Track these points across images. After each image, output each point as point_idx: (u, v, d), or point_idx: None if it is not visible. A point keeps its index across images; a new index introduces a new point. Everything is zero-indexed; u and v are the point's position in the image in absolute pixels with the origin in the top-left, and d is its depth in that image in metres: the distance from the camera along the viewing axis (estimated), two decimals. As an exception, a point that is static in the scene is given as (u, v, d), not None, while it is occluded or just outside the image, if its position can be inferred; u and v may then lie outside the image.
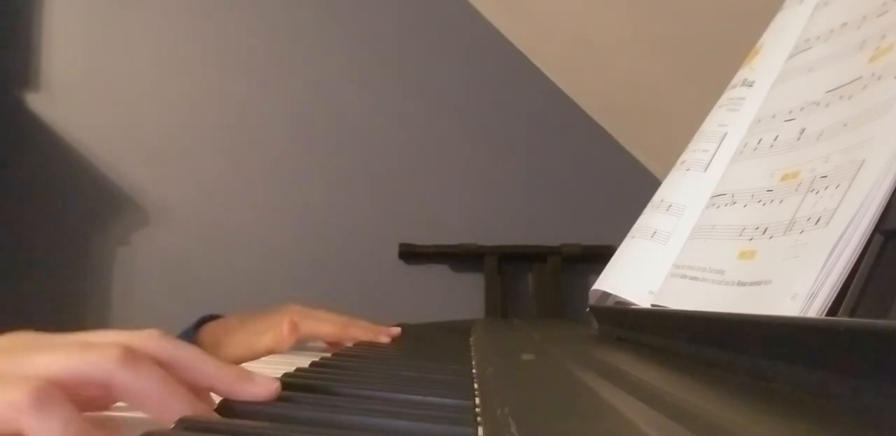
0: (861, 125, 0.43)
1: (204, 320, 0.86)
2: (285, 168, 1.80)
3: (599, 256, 1.43)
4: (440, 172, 1.79)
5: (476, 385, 0.46)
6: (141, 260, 1.75)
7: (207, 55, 1.83)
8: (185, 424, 0.30)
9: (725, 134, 0.65)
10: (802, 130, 0.49)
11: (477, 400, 0.40)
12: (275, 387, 0.36)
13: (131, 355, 0.32)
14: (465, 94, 1.81)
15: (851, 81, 0.47)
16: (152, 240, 1.76)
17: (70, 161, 1.77)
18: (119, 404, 0.35)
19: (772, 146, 0.53)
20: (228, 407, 0.35)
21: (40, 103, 1.79)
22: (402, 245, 1.73)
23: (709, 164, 0.65)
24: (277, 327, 0.79)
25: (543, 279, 1.73)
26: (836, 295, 0.38)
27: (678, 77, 1.37)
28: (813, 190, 0.43)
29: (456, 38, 1.81)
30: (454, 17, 1.80)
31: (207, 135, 1.81)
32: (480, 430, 0.33)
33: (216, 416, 0.33)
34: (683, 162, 0.68)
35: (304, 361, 0.57)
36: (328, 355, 0.63)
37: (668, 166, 0.71)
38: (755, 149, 0.55)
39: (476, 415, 0.36)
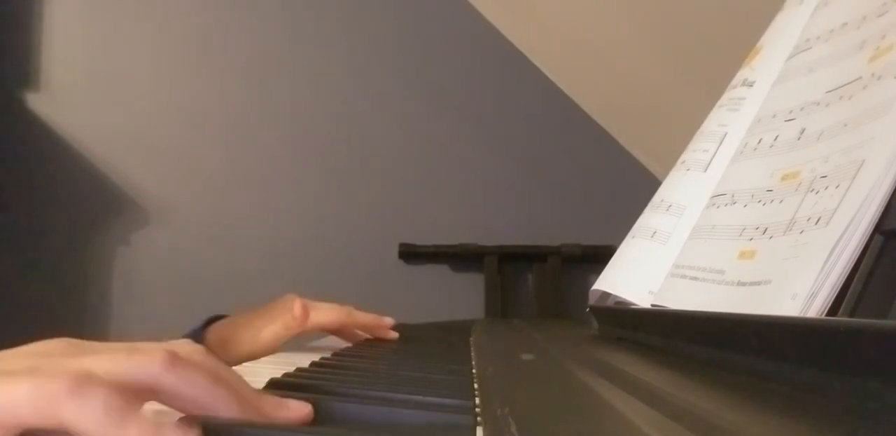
0: (861, 125, 0.43)
1: (211, 321, 0.86)
2: (285, 168, 1.80)
3: (599, 256, 1.43)
4: (440, 172, 1.79)
5: (476, 385, 0.46)
6: (141, 260, 1.75)
7: (207, 55, 1.83)
8: (185, 424, 0.30)
9: (725, 134, 0.65)
10: (802, 130, 0.49)
11: (477, 400, 0.40)
12: (308, 410, 0.35)
13: (179, 360, 0.31)
14: (466, 94, 1.81)
15: (851, 81, 0.47)
16: (152, 240, 1.76)
17: (70, 161, 1.77)
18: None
19: (772, 146, 0.52)
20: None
21: (40, 103, 1.79)
22: (402, 245, 1.73)
23: (709, 164, 0.65)
24: (285, 314, 0.79)
25: (543, 279, 1.73)
26: (836, 295, 0.38)
27: (678, 77, 1.37)
28: (813, 190, 0.43)
29: (456, 38, 1.81)
30: (454, 18, 1.80)
31: (207, 134, 1.81)
32: (480, 430, 0.33)
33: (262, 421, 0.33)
34: (683, 162, 0.68)
35: (304, 361, 0.57)
36: (328, 355, 0.63)
37: (669, 166, 0.71)
38: (755, 149, 0.55)
39: (476, 415, 0.36)
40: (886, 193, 0.38)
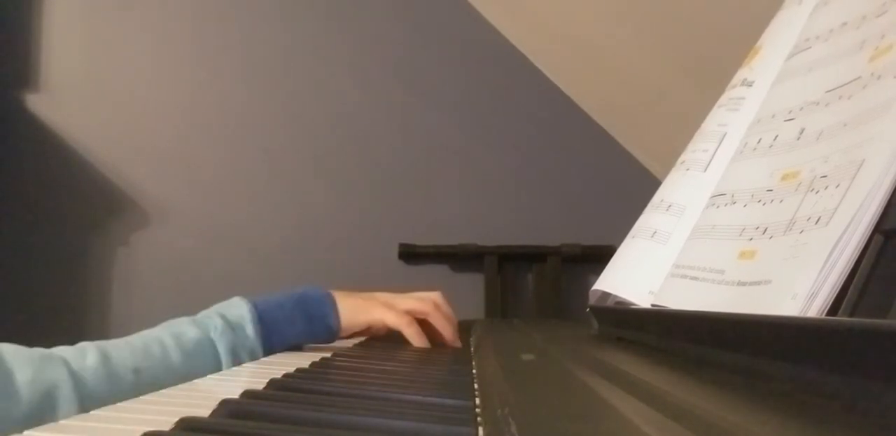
0: (861, 125, 0.43)
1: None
2: (285, 169, 1.80)
3: (599, 256, 1.43)
4: (440, 172, 1.79)
5: (476, 385, 0.46)
6: (141, 260, 1.75)
7: (207, 55, 1.83)
8: (185, 424, 0.30)
9: (725, 134, 0.65)
10: (802, 130, 0.49)
11: (477, 400, 0.40)
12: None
13: (437, 304, 0.84)
14: (466, 94, 1.81)
15: (851, 81, 0.47)
16: (152, 240, 1.76)
17: (69, 162, 1.77)
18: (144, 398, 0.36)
19: (771, 146, 0.52)
20: (227, 407, 0.35)
21: (40, 104, 1.79)
22: (402, 245, 1.73)
23: (709, 164, 0.65)
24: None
25: (543, 279, 1.73)
26: (836, 295, 0.38)
27: (678, 77, 1.37)
28: (813, 190, 0.43)
29: (456, 38, 1.81)
30: (454, 18, 1.80)
31: (207, 135, 1.81)
32: (480, 430, 0.33)
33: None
34: (683, 162, 0.68)
35: (304, 361, 0.57)
36: (328, 355, 0.64)
37: (668, 166, 0.71)
38: (755, 149, 0.55)
39: (476, 415, 0.36)
40: (886, 192, 0.38)
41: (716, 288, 0.49)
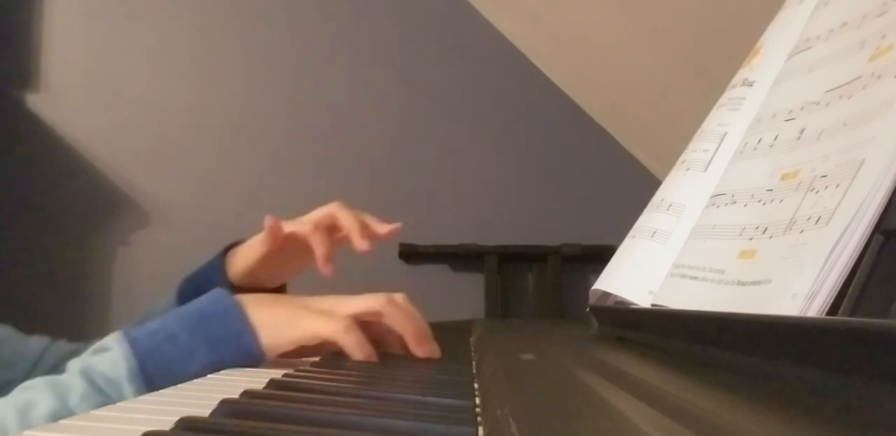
0: (861, 125, 0.43)
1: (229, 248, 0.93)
2: (285, 168, 1.80)
3: (599, 256, 1.43)
4: (440, 172, 1.79)
5: (476, 385, 0.46)
6: (141, 260, 1.75)
7: (206, 55, 1.83)
8: (185, 424, 0.30)
9: (725, 134, 0.65)
10: (802, 130, 0.49)
11: (477, 400, 0.40)
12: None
13: (393, 301, 0.65)
14: (466, 94, 1.81)
15: (851, 81, 0.47)
16: (152, 240, 1.76)
17: (70, 161, 1.77)
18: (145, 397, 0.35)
19: (772, 146, 0.52)
20: (227, 407, 0.35)
21: (40, 104, 1.79)
22: (402, 245, 1.73)
23: (709, 163, 0.65)
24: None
25: (543, 279, 1.73)
26: (835, 295, 0.38)
27: (678, 77, 1.37)
28: (813, 189, 0.43)
29: (456, 38, 1.81)
30: (454, 18, 1.80)
31: (207, 135, 1.81)
32: (481, 430, 0.33)
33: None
34: (684, 162, 0.68)
35: (303, 361, 0.57)
36: (328, 355, 0.63)
37: (669, 166, 0.71)
38: (755, 148, 0.55)
39: (476, 415, 0.36)
40: (886, 192, 0.38)
41: (716, 288, 0.49)
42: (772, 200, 0.48)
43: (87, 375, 0.54)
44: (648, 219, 0.69)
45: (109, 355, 0.56)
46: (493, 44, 1.79)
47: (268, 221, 0.88)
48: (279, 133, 1.81)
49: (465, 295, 1.73)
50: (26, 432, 0.28)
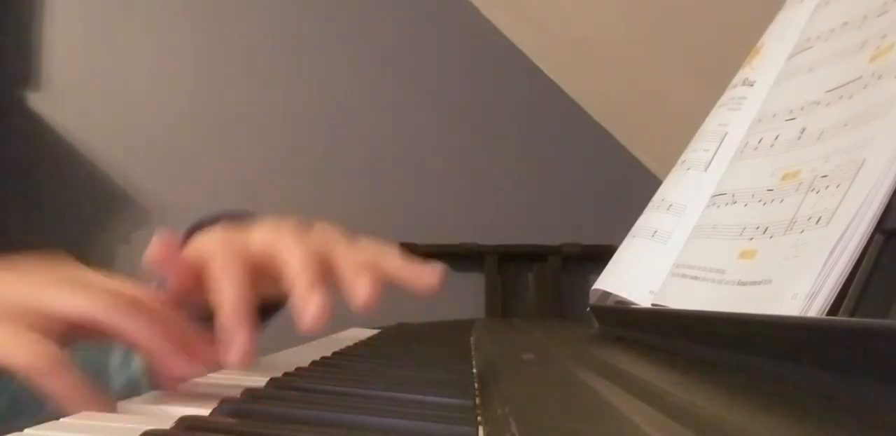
0: (862, 125, 0.43)
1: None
2: (285, 167, 1.80)
3: (600, 256, 1.43)
4: (440, 171, 1.79)
5: (476, 385, 0.46)
6: (142, 259, 1.75)
7: (208, 54, 1.83)
8: (185, 423, 0.30)
9: (726, 133, 0.65)
10: (803, 130, 0.49)
11: (477, 400, 0.40)
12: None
13: (129, 303, 0.33)
14: (467, 94, 1.81)
15: (852, 81, 0.47)
16: (153, 239, 1.76)
17: (71, 160, 1.77)
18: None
19: (772, 146, 0.52)
20: (227, 406, 0.35)
21: (41, 102, 1.79)
22: (401, 245, 1.73)
23: (709, 163, 0.65)
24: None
25: (544, 279, 1.73)
26: (836, 295, 0.38)
27: (679, 77, 1.37)
28: (813, 189, 0.43)
29: (456, 37, 1.81)
30: (455, 17, 1.80)
31: (208, 134, 1.81)
32: (481, 430, 0.33)
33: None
34: (684, 161, 0.68)
35: (304, 361, 0.57)
36: (328, 354, 0.63)
37: (669, 166, 0.71)
38: (756, 148, 0.55)
39: (476, 415, 0.36)
40: (887, 192, 0.38)
41: (716, 288, 0.49)
42: (772, 200, 0.48)
43: None
44: (649, 219, 0.69)
45: None
46: (494, 43, 1.79)
47: (155, 243, 0.46)
48: (280, 132, 1.81)
49: (466, 295, 1.73)
50: (27, 430, 0.28)
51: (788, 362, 0.34)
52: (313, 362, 0.56)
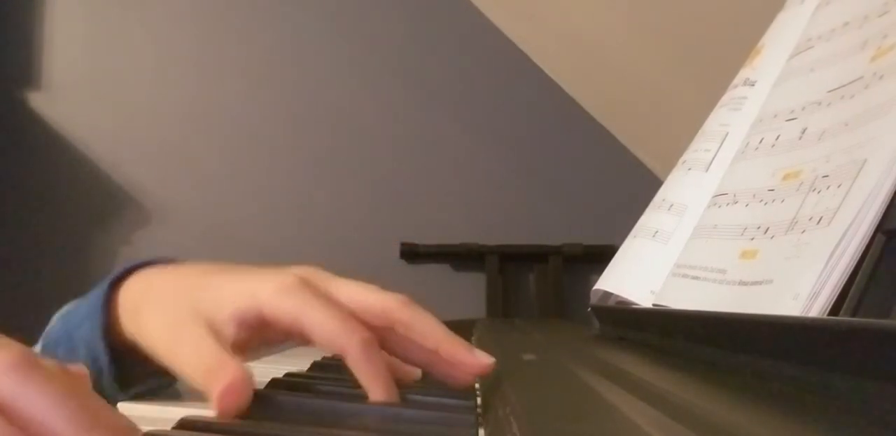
0: (863, 125, 0.43)
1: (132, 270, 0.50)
2: (286, 168, 1.80)
3: (601, 256, 1.43)
4: (441, 171, 1.79)
5: (477, 385, 0.46)
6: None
7: (208, 55, 1.83)
8: (186, 424, 0.30)
9: (727, 134, 0.65)
10: (804, 130, 0.49)
11: (478, 400, 0.40)
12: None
13: (24, 365, 0.25)
14: (467, 93, 1.81)
15: (853, 81, 0.47)
16: (154, 239, 1.76)
17: (72, 160, 1.77)
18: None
19: (773, 146, 0.52)
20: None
21: (42, 103, 1.79)
22: (403, 244, 1.73)
23: (710, 163, 0.65)
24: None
25: (545, 279, 1.73)
26: (837, 295, 0.38)
27: (680, 77, 1.37)
28: (815, 189, 0.43)
29: (457, 37, 1.81)
30: (455, 17, 1.80)
31: (209, 134, 1.81)
32: (482, 430, 0.33)
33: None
34: (685, 161, 0.68)
35: (304, 361, 0.57)
36: (329, 355, 0.63)
37: (670, 166, 0.71)
38: (757, 148, 0.55)
39: (478, 415, 0.36)
40: (888, 192, 0.38)
41: (717, 288, 0.49)
42: (773, 200, 0.48)
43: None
44: (650, 219, 0.69)
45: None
46: (495, 44, 1.79)
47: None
48: (281, 132, 1.81)
49: (467, 295, 1.73)
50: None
51: (790, 363, 0.34)
52: (315, 363, 0.56)
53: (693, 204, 0.64)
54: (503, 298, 1.72)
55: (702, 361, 0.45)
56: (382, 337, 0.39)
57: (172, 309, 0.40)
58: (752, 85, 0.65)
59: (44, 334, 0.53)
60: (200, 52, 1.83)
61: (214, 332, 0.38)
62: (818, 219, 0.41)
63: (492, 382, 0.42)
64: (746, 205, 0.51)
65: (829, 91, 0.49)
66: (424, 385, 0.43)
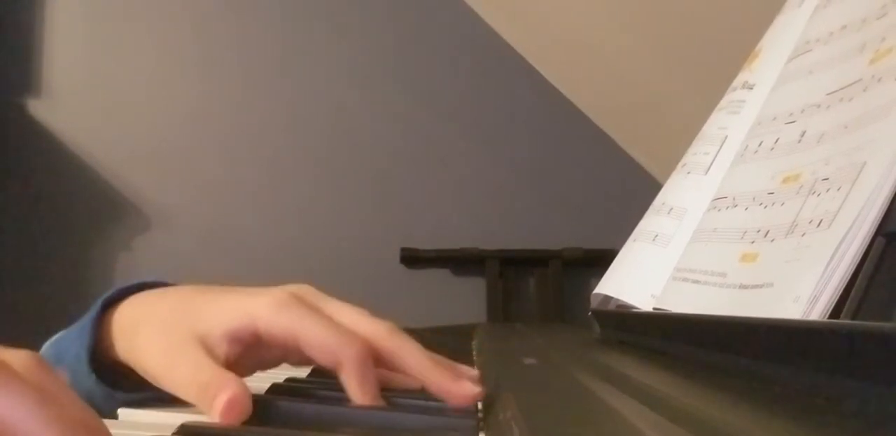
0: (862, 127, 0.43)
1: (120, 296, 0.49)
2: (286, 173, 1.80)
3: (601, 260, 1.43)
4: (441, 176, 1.80)
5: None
6: (142, 265, 1.75)
7: (207, 61, 1.83)
8: (187, 429, 0.30)
9: (726, 137, 0.65)
10: (803, 133, 0.49)
11: (479, 404, 0.40)
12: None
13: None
14: (466, 98, 1.81)
15: (852, 84, 0.47)
16: (154, 245, 1.76)
17: (71, 166, 1.77)
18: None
19: (772, 149, 0.52)
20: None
21: (41, 109, 1.80)
22: (403, 249, 1.73)
23: (710, 167, 0.65)
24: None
25: (545, 283, 1.73)
26: (838, 298, 0.37)
27: (679, 81, 1.37)
28: (814, 192, 0.43)
29: (456, 41, 1.82)
30: (454, 21, 1.80)
31: (208, 140, 1.81)
32: (483, 434, 0.33)
33: None
34: (684, 165, 0.68)
35: (304, 367, 0.57)
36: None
37: (670, 170, 0.71)
38: (756, 151, 0.55)
39: (479, 419, 0.36)
40: (888, 195, 0.38)
41: (717, 291, 0.49)
42: (773, 204, 0.48)
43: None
44: (650, 222, 0.69)
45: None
46: (493, 47, 1.79)
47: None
48: (280, 138, 1.81)
49: (467, 299, 1.73)
50: None
51: (790, 366, 0.34)
52: (314, 368, 0.55)
53: (693, 207, 0.64)
54: (503, 303, 1.72)
55: (703, 364, 0.45)
56: (377, 355, 0.40)
57: (168, 331, 0.41)
58: (751, 88, 0.65)
59: None
60: (199, 60, 1.83)
61: (209, 350, 0.38)
62: (818, 222, 0.41)
63: (493, 386, 0.42)
64: (746, 208, 0.51)
65: (828, 94, 0.49)
66: (426, 390, 0.43)
